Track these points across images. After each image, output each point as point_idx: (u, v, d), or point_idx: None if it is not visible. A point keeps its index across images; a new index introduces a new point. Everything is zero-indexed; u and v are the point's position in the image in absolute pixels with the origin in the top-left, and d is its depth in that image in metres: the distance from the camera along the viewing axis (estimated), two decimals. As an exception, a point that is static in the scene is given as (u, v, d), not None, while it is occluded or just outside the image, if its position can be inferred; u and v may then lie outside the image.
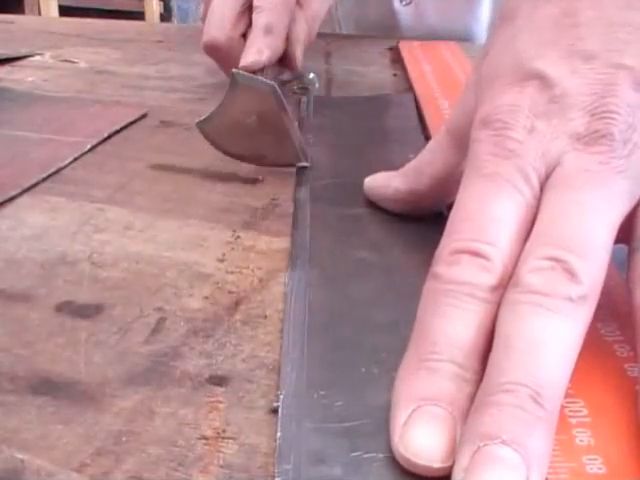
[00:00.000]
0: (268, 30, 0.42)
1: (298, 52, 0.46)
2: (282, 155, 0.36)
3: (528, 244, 0.20)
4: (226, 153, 0.37)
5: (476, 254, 0.20)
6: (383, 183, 0.31)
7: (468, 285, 0.20)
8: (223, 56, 0.45)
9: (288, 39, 0.45)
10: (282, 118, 0.35)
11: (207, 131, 0.36)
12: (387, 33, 0.70)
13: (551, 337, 0.18)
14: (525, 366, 0.18)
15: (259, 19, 0.43)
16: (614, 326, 0.23)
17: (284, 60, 0.46)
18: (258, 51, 0.41)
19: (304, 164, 0.36)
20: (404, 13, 0.70)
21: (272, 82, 0.35)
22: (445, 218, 0.22)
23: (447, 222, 0.22)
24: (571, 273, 0.19)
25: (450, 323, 0.20)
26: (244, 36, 0.44)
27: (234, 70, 0.35)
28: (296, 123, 0.37)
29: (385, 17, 0.71)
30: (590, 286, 0.19)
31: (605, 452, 0.18)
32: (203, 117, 0.36)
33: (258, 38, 0.42)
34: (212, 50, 0.45)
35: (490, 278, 0.20)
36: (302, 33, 0.46)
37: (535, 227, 0.21)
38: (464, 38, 0.67)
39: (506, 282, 0.20)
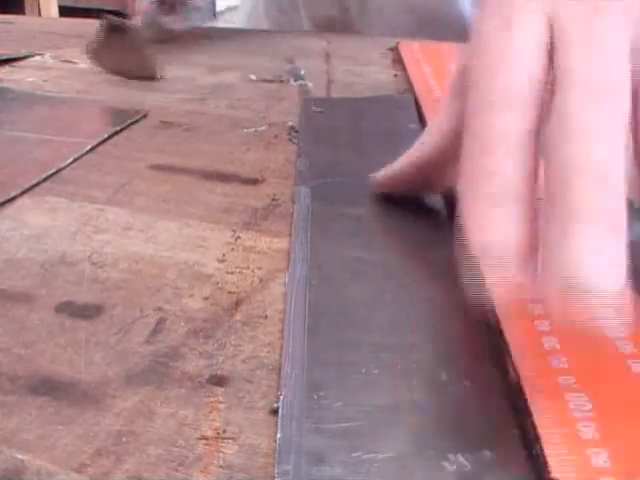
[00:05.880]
0: None
1: None
2: (140, 70, 0.53)
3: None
4: (107, 70, 0.54)
5: None
6: (387, 168, 0.31)
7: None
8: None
9: None
10: (136, 46, 0.53)
11: (93, 59, 0.55)
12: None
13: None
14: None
15: None
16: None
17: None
18: None
19: (155, 77, 0.53)
20: None
21: (125, 21, 0.56)
22: (444, 218, 0.22)
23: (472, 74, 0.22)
24: None
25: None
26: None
27: (105, 15, 0.54)
28: (150, 50, 0.54)
29: None
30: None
31: (610, 446, 0.18)
32: (90, 51, 0.55)
33: None
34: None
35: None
36: None
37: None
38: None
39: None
